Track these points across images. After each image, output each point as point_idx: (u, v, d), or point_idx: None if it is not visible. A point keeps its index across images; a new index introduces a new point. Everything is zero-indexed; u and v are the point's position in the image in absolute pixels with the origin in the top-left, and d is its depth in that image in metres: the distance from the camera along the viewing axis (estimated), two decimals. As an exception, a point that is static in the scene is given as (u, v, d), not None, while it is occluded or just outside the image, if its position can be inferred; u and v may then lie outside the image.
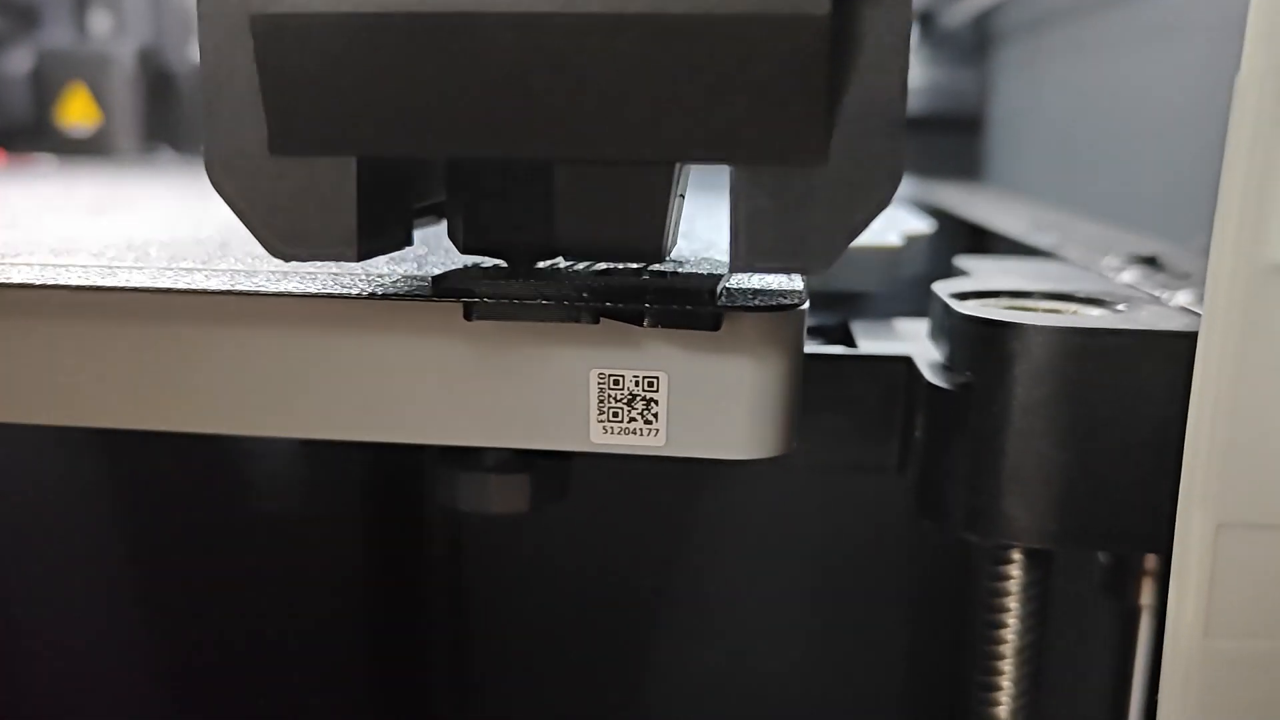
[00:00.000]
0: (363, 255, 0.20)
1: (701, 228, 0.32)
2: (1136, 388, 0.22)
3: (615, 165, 0.19)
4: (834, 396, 0.27)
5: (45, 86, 0.72)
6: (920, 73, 0.70)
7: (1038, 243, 0.37)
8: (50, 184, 0.53)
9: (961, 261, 0.32)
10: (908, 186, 0.67)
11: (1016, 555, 0.26)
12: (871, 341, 0.29)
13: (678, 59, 0.18)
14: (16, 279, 0.23)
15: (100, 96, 0.72)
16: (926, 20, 0.72)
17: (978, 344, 0.23)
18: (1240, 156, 0.16)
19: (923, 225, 0.36)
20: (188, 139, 0.75)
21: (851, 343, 0.29)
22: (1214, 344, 0.17)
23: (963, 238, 0.50)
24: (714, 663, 0.45)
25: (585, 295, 0.22)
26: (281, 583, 0.50)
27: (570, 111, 0.18)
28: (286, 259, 0.20)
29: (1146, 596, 0.27)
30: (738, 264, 0.19)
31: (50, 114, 0.72)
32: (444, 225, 0.23)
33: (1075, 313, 0.25)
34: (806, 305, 0.23)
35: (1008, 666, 0.26)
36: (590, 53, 0.18)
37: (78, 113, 0.72)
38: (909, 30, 0.18)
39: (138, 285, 0.22)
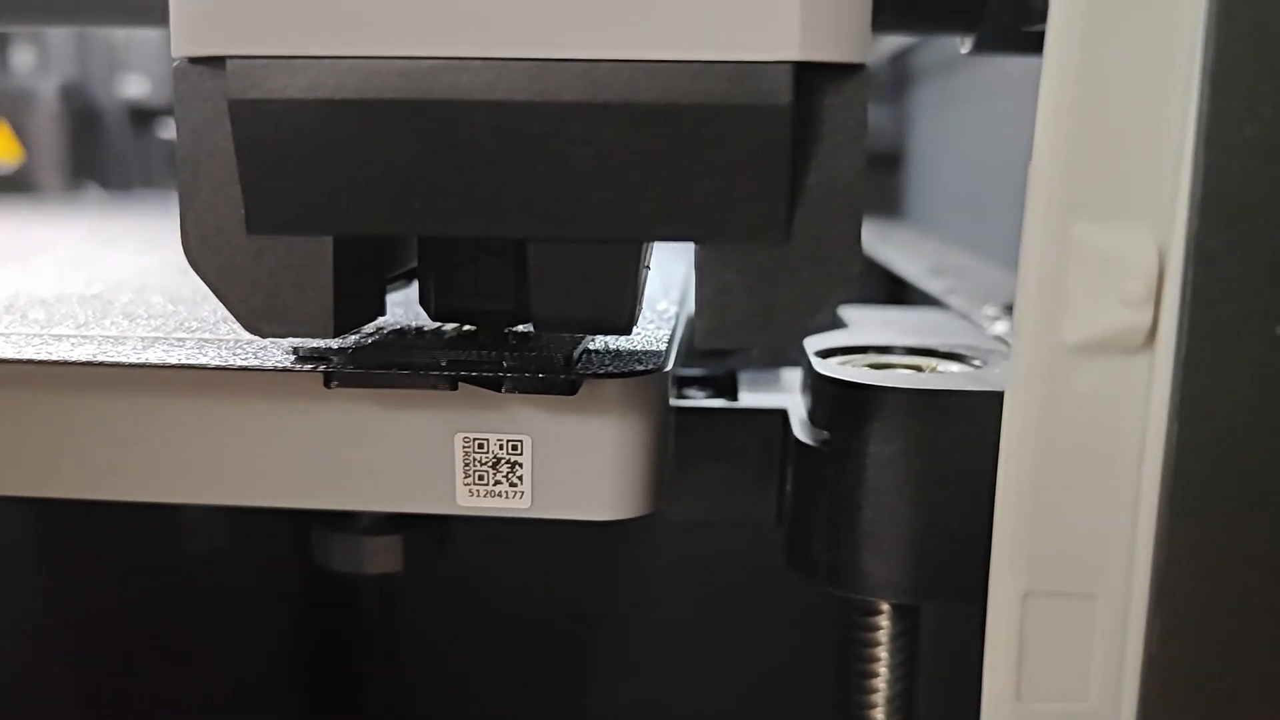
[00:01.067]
0: (339, 331, 0.21)
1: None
2: (980, 446, 0.23)
3: (587, 243, 0.20)
4: (714, 449, 0.28)
5: (-34, 123, 0.72)
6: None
7: (928, 288, 0.38)
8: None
9: (844, 312, 0.32)
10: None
11: (884, 607, 0.27)
12: (754, 393, 0.30)
13: (648, 144, 0.19)
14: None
15: (22, 133, 0.71)
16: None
17: (834, 403, 0.24)
18: (1036, 240, 0.16)
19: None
20: (115, 176, 0.74)
21: (735, 393, 0.30)
22: (1016, 419, 0.18)
23: (875, 279, 0.51)
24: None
25: (443, 363, 0.22)
26: (213, 637, 0.49)
27: (544, 193, 0.19)
28: (263, 336, 0.21)
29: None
30: (703, 339, 0.20)
31: (-28, 151, 0.72)
32: (414, 288, 0.24)
33: (934, 369, 0.26)
34: (669, 368, 0.23)
35: (879, 715, 0.27)
36: (564, 138, 0.19)
37: None
38: (865, 117, 0.19)
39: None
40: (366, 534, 0.25)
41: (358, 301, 0.22)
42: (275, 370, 0.22)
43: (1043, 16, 0.22)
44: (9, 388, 0.23)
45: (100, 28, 0.71)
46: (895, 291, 0.48)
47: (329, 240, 0.20)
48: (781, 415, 0.27)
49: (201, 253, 0.20)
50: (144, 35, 0.73)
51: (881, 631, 0.27)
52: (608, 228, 0.20)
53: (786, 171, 0.19)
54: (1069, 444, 0.17)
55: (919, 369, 0.26)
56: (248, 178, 0.19)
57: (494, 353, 0.22)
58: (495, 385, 0.22)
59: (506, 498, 0.23)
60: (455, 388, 0.22)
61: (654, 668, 0.46)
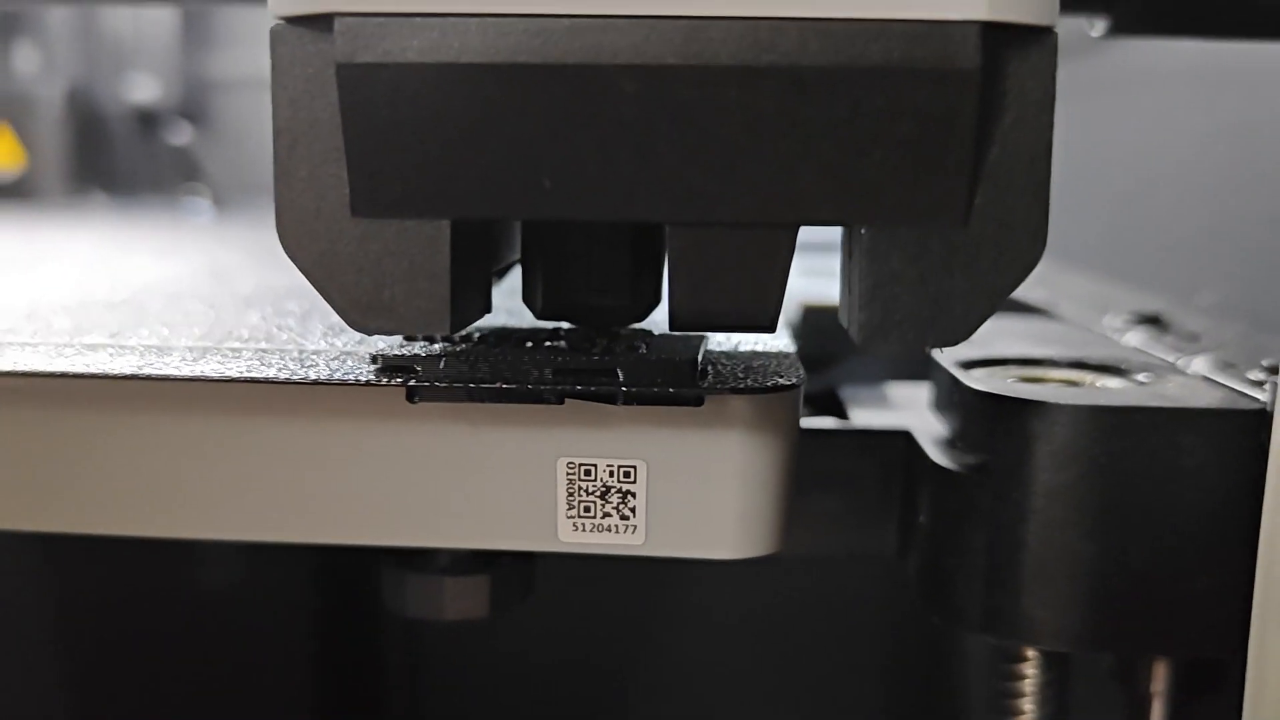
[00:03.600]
0: (455, 327, 0.18)
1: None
2: (1172, 471, 0.20)
3: (737, 229, 0.17)
4: (824, 475, 0.25)
5: (-34, 127, 0.69)
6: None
7: (1027, 297, 0.35)
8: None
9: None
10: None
11: (1032, 654, 0.23)
12: (864, 411, 0.26)
13: (813, 114, 0.16)
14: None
15: (26, 138, 0.68)
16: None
17: (994, 422, 0.21)
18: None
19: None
20: (120, 182, 0.71)
21: (841, 412, 0.27)
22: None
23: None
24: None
25: (550, 372, 0.19)
26: (228, 689, 0.46)
27: (693, 171, 0.17)
28: (369, 332, 0.18)
29: (1158, 684, 0.24)
30: (866, 338, 0.17)
31: (-28, 156, 0.69)
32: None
33: (1094, 383, 0.23)
34: (803, 382, 0.20)
35: (1024, 777, 0.24)
36: (719, 107, 0.16)
37: (2, 155, 0.69)
38: (1054, 85, 0.17)
39: (27, 370, 0.19)
40: (447, 574, 0.22)
41: (470, 295, 0.19)
42: (352, 384, 0.19)
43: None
44: (37, 406, 0.20)
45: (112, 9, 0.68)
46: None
47: (446, 225, 0.17)
48: (904, 436, 0.24)
49: (298, 238, 0.17)
50: (151, 36, 0.69)
51: (1028, 681, 0.23)
52: (763, 210, 0.17)
53: (970, 145, 0.16)
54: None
55: (1075, 383, 0.23)
56: (355, 154, 0.17)
57: (607, 358, 0.19)
58: (611, 398, 0.19)
59: (616, 533, 0.20)
60: (562, 402, 0.19)
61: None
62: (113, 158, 0.71)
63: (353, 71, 0.16)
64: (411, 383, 0.19)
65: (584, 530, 0.20)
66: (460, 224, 0.17)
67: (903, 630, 0.39)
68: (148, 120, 0.69)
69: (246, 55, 0.69)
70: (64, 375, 0.19)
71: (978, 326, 0.17)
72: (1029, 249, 0.17)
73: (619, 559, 0.20)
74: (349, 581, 0.44)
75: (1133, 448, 0.20)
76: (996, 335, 0.27)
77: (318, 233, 0.17)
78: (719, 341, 0.22)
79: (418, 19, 0.16)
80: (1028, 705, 0.24)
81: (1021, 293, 0.36)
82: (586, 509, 0.20)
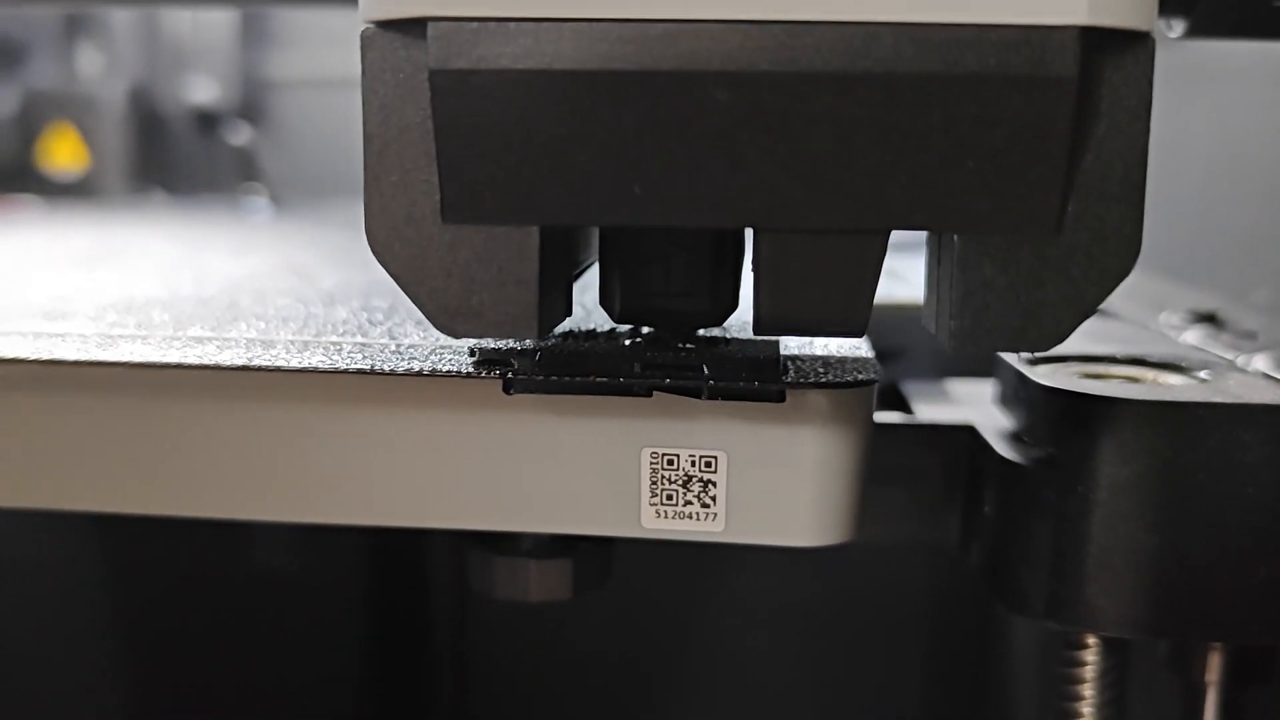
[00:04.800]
0: (543, 332, 0.18)
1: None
2: (1233, 466, 0.21)
3: (827, 235, 0.18)
4: (890, 468, 0.26)
5: (31, 127, 0.70)
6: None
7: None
8: (36, 230, 0.51)
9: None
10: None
11: (1093, 640, 0.24)
12: (928, 406, 0.27)
13: (907, 121, 0.16)
14: (9, 353, 0.21)
15: (89, 137, 0.70)
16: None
17: (1060, 417, 0.21)
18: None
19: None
20: (180, 181, 0.73)
21: (905, 407, 0.28)
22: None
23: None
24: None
25: (638, 366, 0.20)
26: (279, 668, 0.47)
27: (785, 177, 0.17)
28: (457, 336, 0.18)
29: (1213, 673, 0.25)
30: (959, 345, 0.18)
31: (36, 155, 0.70)
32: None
33: (1155, 380, 0.23)
34: (879, 379, 0.21)
35: (1084, 761, 0.24)
36: (813, 114, 0.16)
37: (65, 154, 0.70)
38: (1150, 92, 0.17)
39: (143, 360, 0.20)
40: (532, 557, 0.23)
41: (554, 299, 0.19)
42: (453, 375, 0.20)
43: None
44: (148, 395, 0.21)
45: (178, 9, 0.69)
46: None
47: (535, 231, 0.18)
48: (969, 431, 0.25)
49: (388, 243, 0.18)
50: (211, 37, 0.71)
51: (1089, 668, 0.24)
52: (854, 216, 0.17)
53: (1065, 153, 0.17)
54: None
55: (1136, 380, 0.23)
56: (447, 160, 0.17)
57: (692, 354, 0.20)
58: (695, 392, 0.20)
59: (698, 520, 0.21)
60: (650, 395, 0.20)
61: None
62: (173, 157, 0.72)
63: (446, 77, 0.17)
64: (508, 375, 0.20)
65: (666, 517, 0.21)
66: (548, 230, 0.18)
67: (948, 619, 0.39)
68: (207, 120, 0.71)
69: (303, 56, 0.71)
70: (178, 367, 0.20)
71: (1068, 335, 0.18)
72: (1122, 259, 0.17)
73: (655, 549, 0.21)
74: (402, 564, 0.45)
75: (1195, 443, 0.20)
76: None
77: (408, 238, 0.18)
78: (793, 342, 0.23)
79: (511, 24, 0.16)
80: (1088, 690, 0.24)
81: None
82: (669, 497, 0.21)
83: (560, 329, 0.22)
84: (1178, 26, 0.25)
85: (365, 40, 0.17)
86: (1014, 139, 0.16)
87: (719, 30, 0.16)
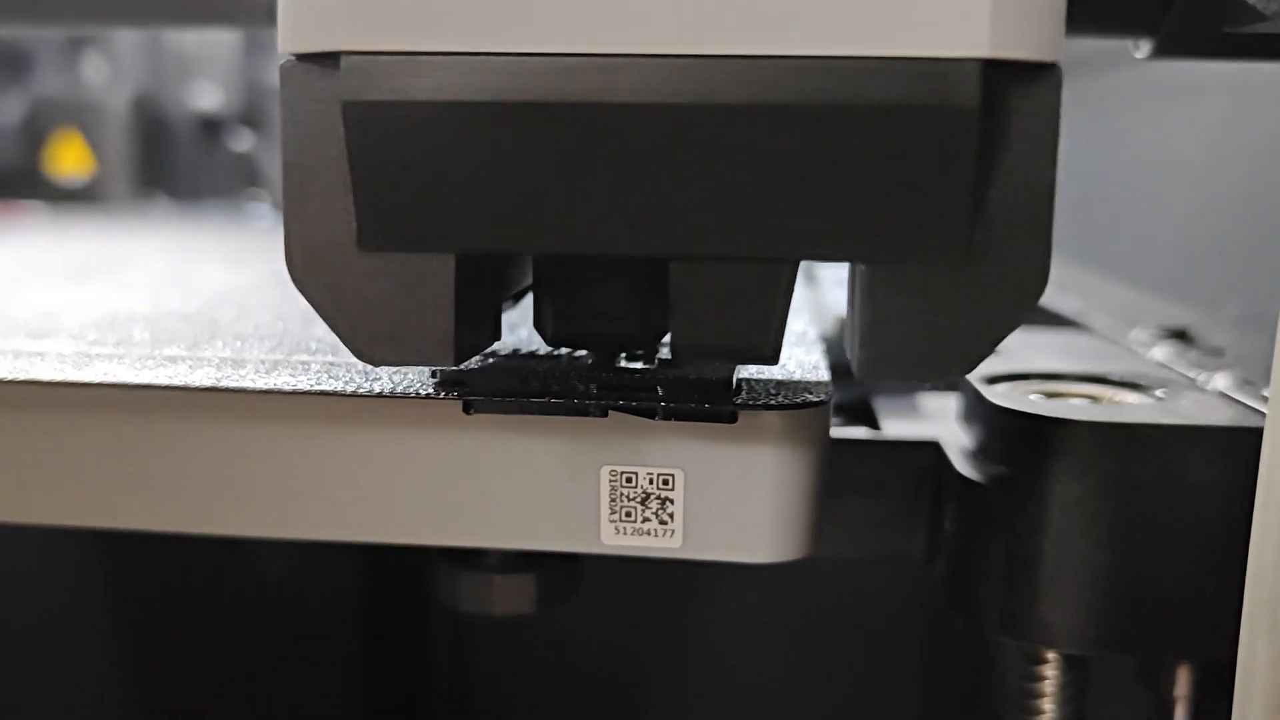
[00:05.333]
0: (459, 359, 0.19)
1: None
2: (1181, 485, 0.21)
3: (737, 263, 0.18)
4: (857, 482, 0.26)
5: (37, 133, 0.71)
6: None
7: (1060, 308, 0.36)
8: (39, 238, 0.52)
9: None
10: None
11: (1052, 655, 0.24)
12: (895, 422, 0.28)
13: (816, 151, 0.16)
14: (-12, 372, 0.21)
15: (94, 144, 0.71)
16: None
17: (1014, 436, 0.22)
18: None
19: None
20: (184, 187, 0.73)
21: (873, 421, 0.28)
22: (1275, 475, 0.16)
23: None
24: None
25: (594, 388, 0.20)
26: (278, 681, 0.48)
27: (696, 207, 0.17)
28: (375, 364, 0.19)
29: (1182, 688, 0.25)
30: (865, 372, 0.18)
31: (42, 162, 0.71)
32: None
33: (1111, 399, 0.24)
34: (832, 398, 0.21)
35: (1044, 773, 0.25)
36: (722, 145, 0.17)
37: (71, 161, 0.71)
38: (1057, 122, 0.17)
39: (115, 380, 0.21)
40: (497, 572, 0.23)
41: (475, 324, 0.20)
42: (413, 397, 0.20)
43: (1247, 16, 0.20)
44: (123, 413, 0.22)
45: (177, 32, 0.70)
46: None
47: (450, 259, 0.18)
48: (934, 447, 0.25)
49: (307, 271, 0.18)
50: (214, 45, 0.72)
51: (1047, 682, 0.25)
52: (765, 246, 0.17)
53: (970, 183, 0.17)
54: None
55: (1094, 399, 0.24)
56: (362, 189, 0.17)
57: (648, 375, 0.20)
58: (649, 413, 0.20)
59: (656, 536, 0.21)
60: (605, 414, 0.20)
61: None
62: (176, 163, 0.73)
63: (359, 109, 0.17)
64: (468, 396, 0.20)
65: (625, 534, 0.21)
66: (465, 258, 0.18)
67: (940, 632, 0.40)
68: (210, 127, 0.72)
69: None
70: (149, 387, 0.21)
71: (977, 364, 0.18)
72: (1030, 289, 0.17)
73: (659, 561, 0.22)
74: (399, 578, 0.46)
75: (1143, 463, 0.21)
76: (1024, 348, 0.28)
77: (326, 266, 0.18)
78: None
79: (423, 58, 0.17)
80: (1048, 705, 0.25)
81: (1056, 303, 0.37)
82: (628, 514, 0.21)
83: (523, 348, 0.23)
84: (1145, 47, 0.25)
85: (283, 72, 0.18)
86: (919, 169, 0.16)
87: (626, 63, 0.16)
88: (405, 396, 0.20)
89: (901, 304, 0.18)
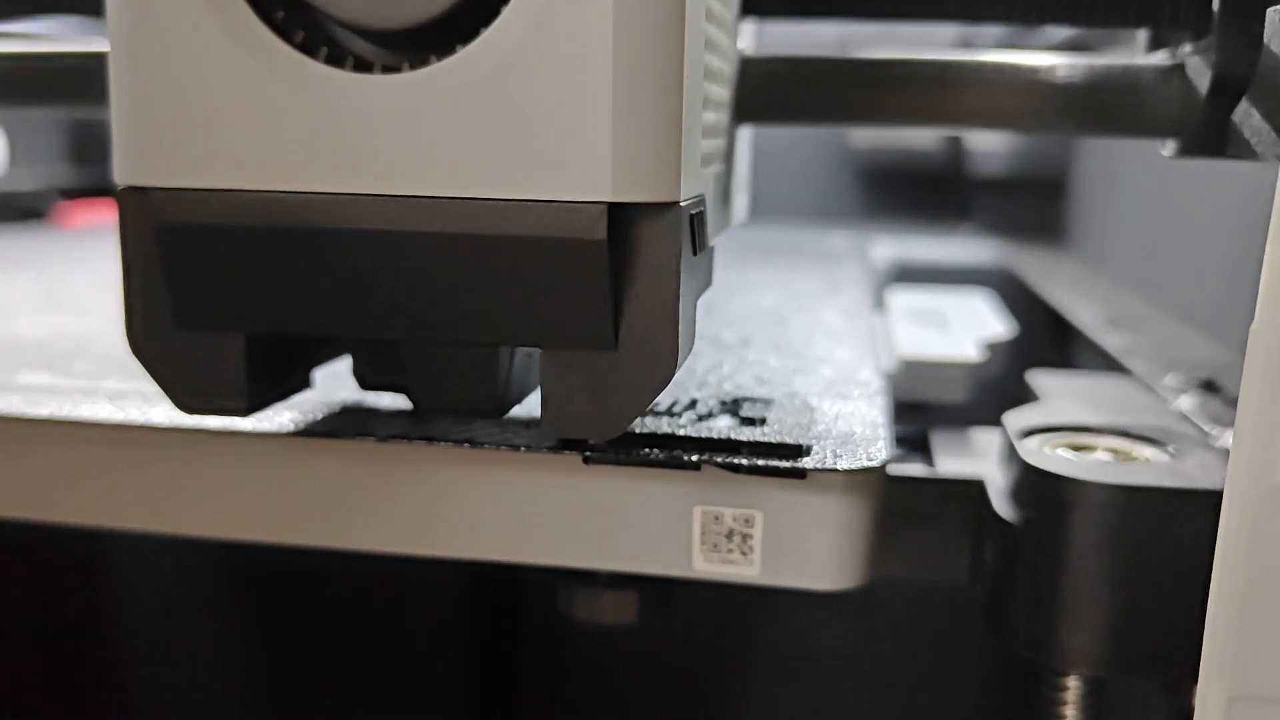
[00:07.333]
0: (251, 409, 0.24)
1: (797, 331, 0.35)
2: (1177, 537, 0.25)
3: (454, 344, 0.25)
4: (912, 513, 0.30)
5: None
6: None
7: (1105, 344, 0.40)
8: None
9: (1033, 379, 0.34)
10: (990, 250, 0.69)
11: (1073, 675, 0.29)
12: (949, 459, 0.32)
13: (490, 268, 0.22)
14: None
15: None
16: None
17: (1038, 488, 0.26)
18: (1253, 398, 0.18)
19: (1002, 330, 0.39)
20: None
21: (929, 452, 0.32)
22: (1229, 546, 0.20)
23: (1040, 317, 0.52)
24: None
25: (690, 447, 0.25)
26: (390, 678, 0.54)
27: (410, 304, 0.23)
28: (190, 412, 0.25)
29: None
30: (547, 430, 0.23)
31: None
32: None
33: (1129, 454, 0.28)
34: (887, 461, 0.26)
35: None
36: (421, 261, 0.22)
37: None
38: (678, 245, 0.22)
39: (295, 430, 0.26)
40: (607, 587, 0.28)
41: (282, 379, 0.25)
42: (546, 451, 0.25)
43: (1244, 152, 0.24)
44: (323, 456, 0.27)
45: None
46: (1062, 334, 0.50)
47: (241, 336, 0.24)
48: (979, 485, 0.30)
49: (139, 342, 0.24)
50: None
51: (1069, 692, 0.29)
52: (467, 335, 0.23)
53: (607, 293, 0.22)
54: (1275, 568, 0.19)
55: (1116, 452, 0.28)
56: (172, 285, 0.23)
57: (732, 437, 0.25)
58: (734, 469, 0.25)
59: (737, 565, 0.26)
60: (699, 469, 0.25)
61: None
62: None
63: (165, 228, 0.23)
64: (587, 453, 0.25)
65: (712, 562, 0.26)
66: (254, 335, 0.24)
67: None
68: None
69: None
70: (360, 437, 0.26)
71: (628, 425, 0.23)
72: (664, 367, 0.22)
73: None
74: (502, 593, 0.52)
75: (1144, 519, 0.25)
76: (1064, 394, 0.32)
77: (153, 338, 0.24)
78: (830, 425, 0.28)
79: (207, 193, 0.22)
80: (1069, 712, 0.29)
81: (1100, 336, 0.40)
82: (715, 546, 0.26)
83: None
84: (1171, 147, 0.29)
85: (119, 197, 0.23)
86: (570, 283, 0.22)
87: (349, 200, 0.22)
88: (541, 449, 0.25)
89: (571, 380, 0.23)
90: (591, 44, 0.20)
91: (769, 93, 0.31)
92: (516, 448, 0.25)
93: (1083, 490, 0.25)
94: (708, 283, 0.27)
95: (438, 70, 0.21)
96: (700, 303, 0.29)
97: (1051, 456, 0.27)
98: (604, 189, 0.21)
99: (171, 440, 0.27)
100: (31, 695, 0.51)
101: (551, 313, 0.22)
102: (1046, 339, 0.52)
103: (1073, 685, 0.29)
